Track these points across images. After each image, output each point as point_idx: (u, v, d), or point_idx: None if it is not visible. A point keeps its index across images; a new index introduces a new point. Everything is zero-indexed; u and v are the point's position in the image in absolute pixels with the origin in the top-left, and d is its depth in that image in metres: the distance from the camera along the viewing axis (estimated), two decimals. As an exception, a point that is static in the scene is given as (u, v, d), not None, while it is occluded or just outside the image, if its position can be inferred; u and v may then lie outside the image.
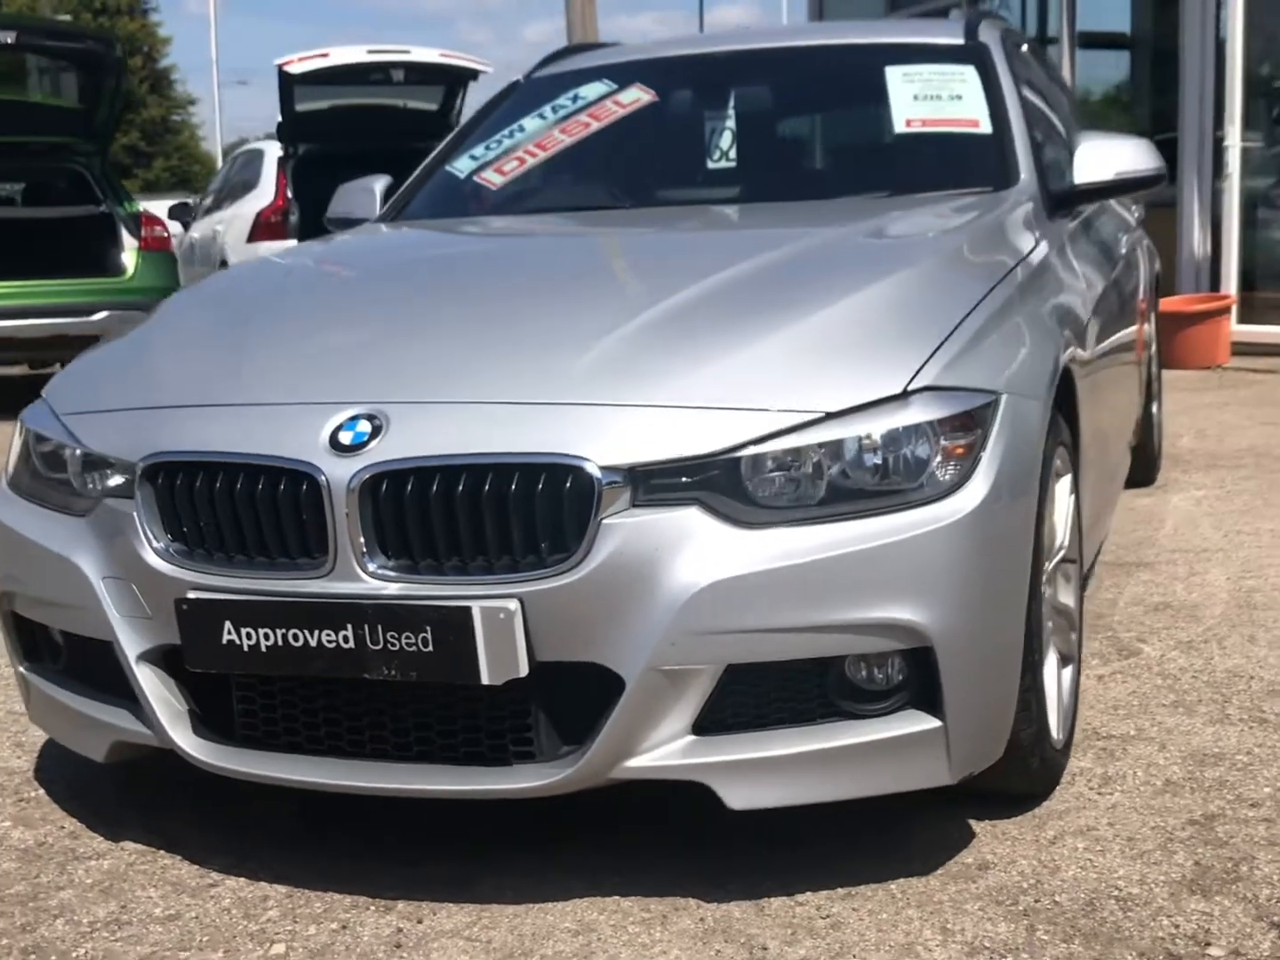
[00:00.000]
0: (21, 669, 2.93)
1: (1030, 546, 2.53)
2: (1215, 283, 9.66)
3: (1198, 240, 9.79)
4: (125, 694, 2.67)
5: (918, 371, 2.43)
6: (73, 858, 2.79)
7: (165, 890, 2.64)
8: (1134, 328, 4.36)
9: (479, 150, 4.09)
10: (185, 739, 2.58)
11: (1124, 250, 4.47)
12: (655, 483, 2.32)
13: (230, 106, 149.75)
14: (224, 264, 11.58)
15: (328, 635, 2.38)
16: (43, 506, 2.80)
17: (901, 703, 2.42)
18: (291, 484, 2.40)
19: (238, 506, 2.44)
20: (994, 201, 3.38)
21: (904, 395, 2.40)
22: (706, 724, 2.39)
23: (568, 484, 2.31)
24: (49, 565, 2.70)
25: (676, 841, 2.72)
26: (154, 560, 2.51)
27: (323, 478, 2.37)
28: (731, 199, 3.76)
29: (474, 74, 11.22)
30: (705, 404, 2.38)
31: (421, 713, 2.46)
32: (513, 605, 2.30)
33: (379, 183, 4.18)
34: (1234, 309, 9.46)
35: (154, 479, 2.52)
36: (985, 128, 3.71)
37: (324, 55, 10.78)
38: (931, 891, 2.50)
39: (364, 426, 2.41)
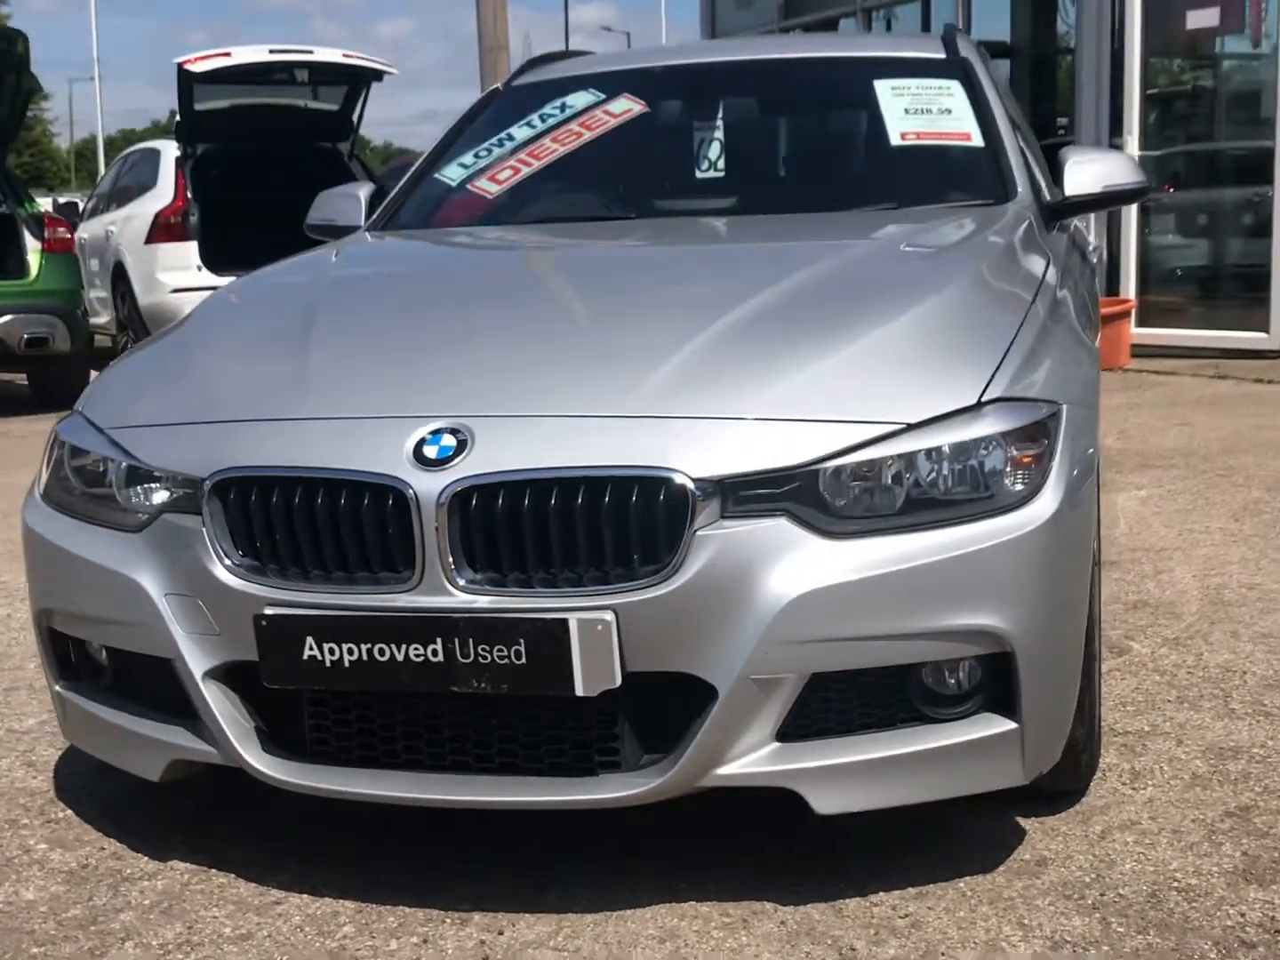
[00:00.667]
0: (58, 688, 2.88)
1: (1091, 550, 2.61)
2: (1114, 287, 9.94)
3: (1098, 246, 10.05)
4: (183, 712, 2.64)
5: (988, 383, 2.49)
6: (122, 879, 2.75)
7: (229, 909, 2.61)
8: (1099, 334, 4.49)
9: (468, 159, 4.08)
10: (255, 757, 2.56)
11: (1094, 260, 4.61)
12: (744, 494, 2.35)
13: (81, 102, 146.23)
14: (119, 265, 11.35)
15: (415, 649, 2.38)
16: (86, 522, 2.75)
17: (978, 706, 2.48)
18: (376, 498, 2.39)
19: (317, 521, 2.43)
20: (1001, 214, 3.47)
21: (978, 406, 2.46)
22: (789, 731, 2.43)
23: (661, 496, 2.33)
24: (102, 582, 2.65)
25: (734, 847, 2.76)
26: (225, 576, 2.48)
27: (411, 492, 2.37)
28: (739, 210, 3.80)
29: (378, 75, 11.14)
30: (791, 416, 2.42)
31: (506, 724, 2.46)
32: (608, 617, 2.32)
33: (363, 190, 4.15)
34: (1133, 313, 9.76)
35: (224, 494, 2.50)
36: (977, 141, 3.80)
37: (225, 55, 10.63)
38: (999, 889, 2.57)
39: (448, 440, 2.41)
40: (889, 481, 2.40)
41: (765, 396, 2.45)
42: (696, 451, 2.36)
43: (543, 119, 4.11)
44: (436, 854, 2.78)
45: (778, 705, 2.40)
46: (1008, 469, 2.45)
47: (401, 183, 4.16)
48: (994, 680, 2.47)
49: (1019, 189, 3.63)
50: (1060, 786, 2.83)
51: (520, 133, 4.09)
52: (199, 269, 10.68)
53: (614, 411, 2.44)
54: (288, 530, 2.45)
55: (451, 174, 4.07)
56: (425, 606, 2.38)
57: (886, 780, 2.46)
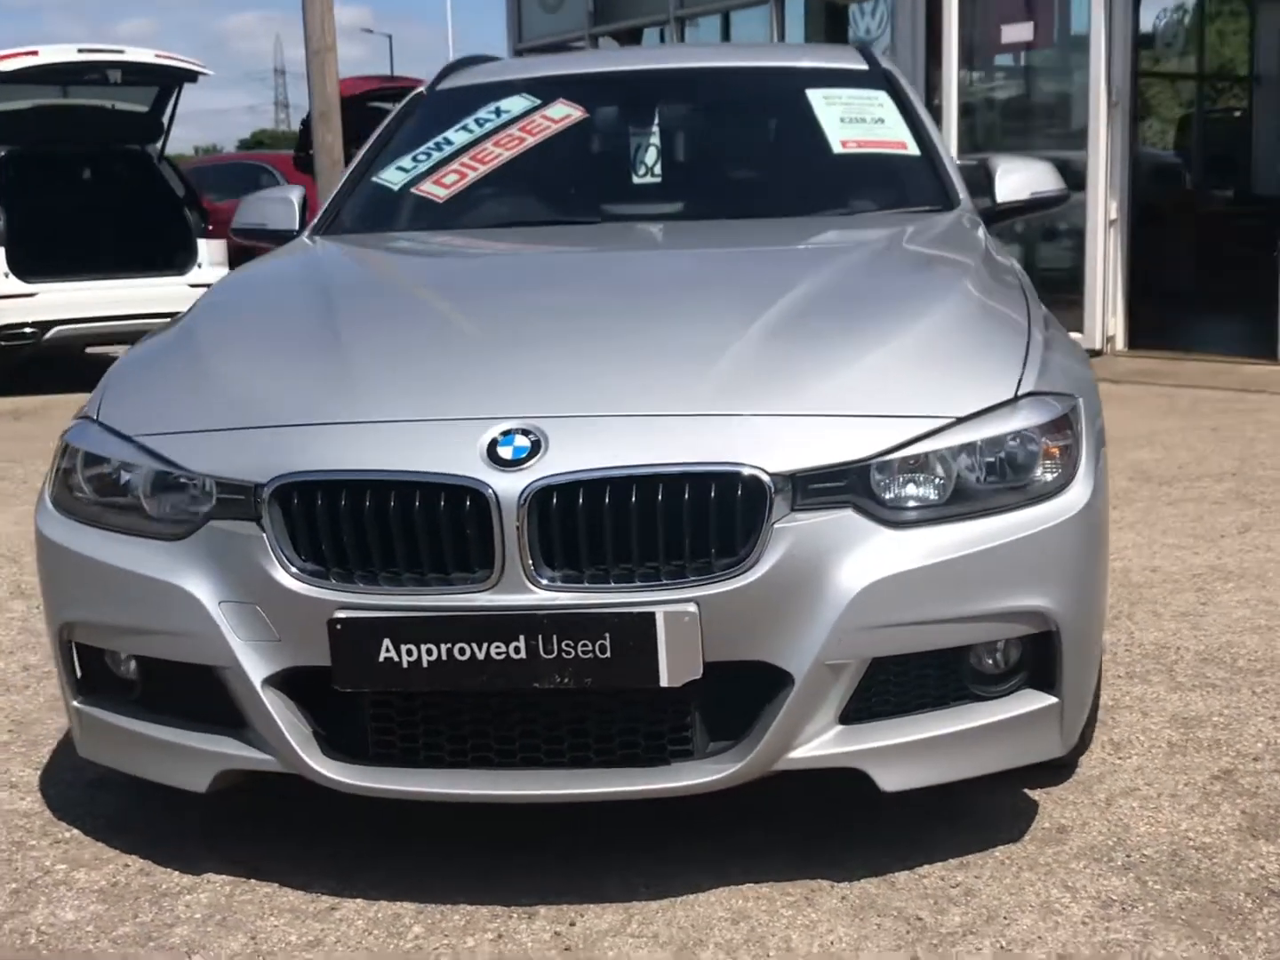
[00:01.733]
0: (76, 703, 2.81)
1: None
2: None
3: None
4: (231, 721, 2.61)
5: (1021, 378, 2.64)
6: (160, 894, 2.70)
7: (286, 918, 2.60)
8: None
9: (406, 162, 4.08)
10: (318, 762, 2.55)
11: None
12: (812, 488, 2.45)
13: None
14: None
15: (497, 647, 2.41)
16: (108, 530, 2.69)
17: (1021, 683, 2.63)
18: (453, 500, 2.42)
19: (389, 524, 2.44)
20: (957, 222, 3.64)
21: (1015, 400, 2.61)
22: (851, 714, 2.54)
23: (739, 491, 2.41)
24: (144, 592, 2.60)
25: (771, 829, 2.85)
26: (290, 582, 2.47)
27: (490, 492, 2.40)
28: (697, 215, 3.87)
29: (192, 75, 10.86)
30: (852, 412, 2.53)
31: (577, 718, 2.51)
32: (692, 609, 2.39)
33: (294, 194, 4.11)
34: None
35: (286, 500, 2.48)
36: (913, 150, 3.97)
37: (32, 53, 10.24)
38: (1033, 856, 2.73)
39: (522, 441, 2.45)
40: (943, 472, 2.52)
41: (822, 393, 2.56)
42: (768, 447, 2.45)
43: (479, 123, 4.14)
44: (473, 852, 2.80)
45: (841, 689, 2.50)
46: (1043, 459, 2.60)
47: (339, 186, 4.13)
48: (1035, 658, 2.61)
49: (961, 196, 3.82)
50: (1065, 759, 2.99)
51: (458, 137, 4.10)
52: (5, 275, 10.26)
53: (680, 410, 2.51)
54: (356, 533, 2.45)
55: (391, 177, 4.06)
56: (506, 604, 2.41)
57: (942, 757, 2.58)
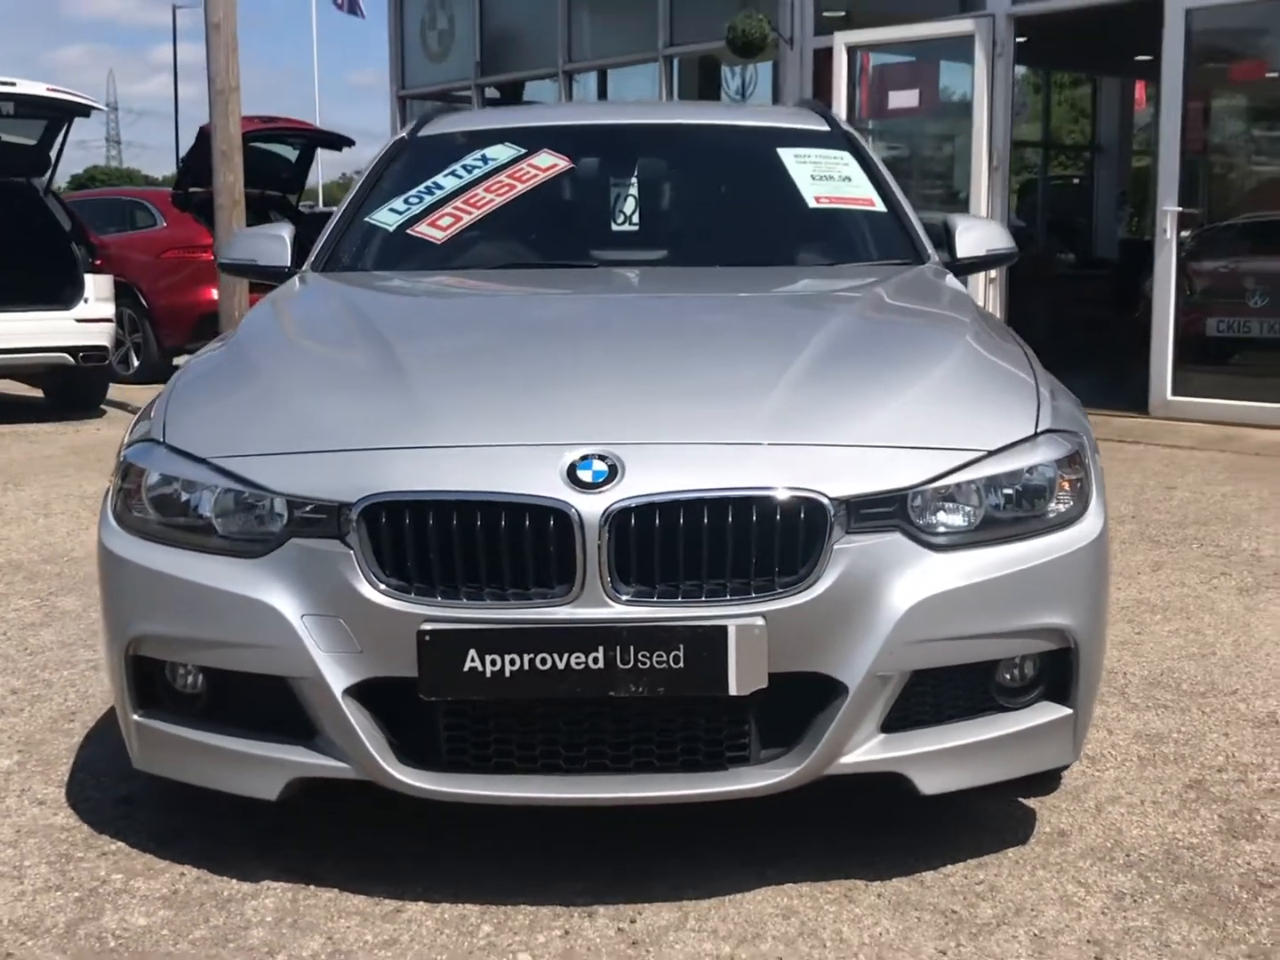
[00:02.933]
0: (136, 717, 2.89)
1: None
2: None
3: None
4: (303, 731, 2.74)
5: (1038, 417, 2.90)
6: (225, 900, 2.80)
7: (356, 920, 2.72)
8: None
9: (398, 204, 4.23)
10: (394, 768, 2.68)
11: None
12: (864, 512, 2.67)
13: None
14: None
15: (577, 658, 2.58)
16: (177, 548, 2.80)
17: (1039, 696, 2.87)
18: (537, 519, 2.59)
19: (475, 541, 2.59)
20: (934, 274, 3.92)
21: (1034, 437, 2.87)
22: (892, 723, 2.75)
23: (802, 514, 2.62)
24: (223, 606, 2.71)
25: (793, 837, 3.05)
26: (377, 597, 2.61)
27: (574, 512, 2.57)
28: (685, 261, 4.10)
29: (85, 110, 10.80)
30: (898, 444, 2.76)
31: (641, 726, 2.69)
32: (760, 622, 2.59)
33: (285, 231, 4.23)
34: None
35: (373, 519, 2.63)
36: (880, 207, 4.26)
37: (-79, 83, 10.11)
38: (1041, 856, 2.96)
39: (600, 466, 2.63)
40: (976, 500, 2.77)
41: (868, 428, 2.78)
42: (825, 474, 2.66)
43: (467, 169, 4.31)
44: (522, 860, 2.95)
45: (883, 700, 2.72)
46: (1060, 490, 2.86)
47: (331, 223, 4.26)
48: (1052, 672, 2.86)
49: (929, 250, 4.10)
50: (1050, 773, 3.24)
51: (448, 181, 4.27)
52: (-111, 307, 10.08)
53: (743, 439, 2.72)
54: (441, 550, 2.61)
55: (385, 219, 4.21)
56: (586, 618, 2.58)
57: (972, 762, 2.81)
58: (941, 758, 2.78)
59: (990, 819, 3.14)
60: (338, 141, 14.20)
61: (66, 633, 4.69)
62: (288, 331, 3.52)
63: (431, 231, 4.12)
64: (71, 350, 10.59)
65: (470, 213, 4.16)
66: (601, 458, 2.64)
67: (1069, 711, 2.87)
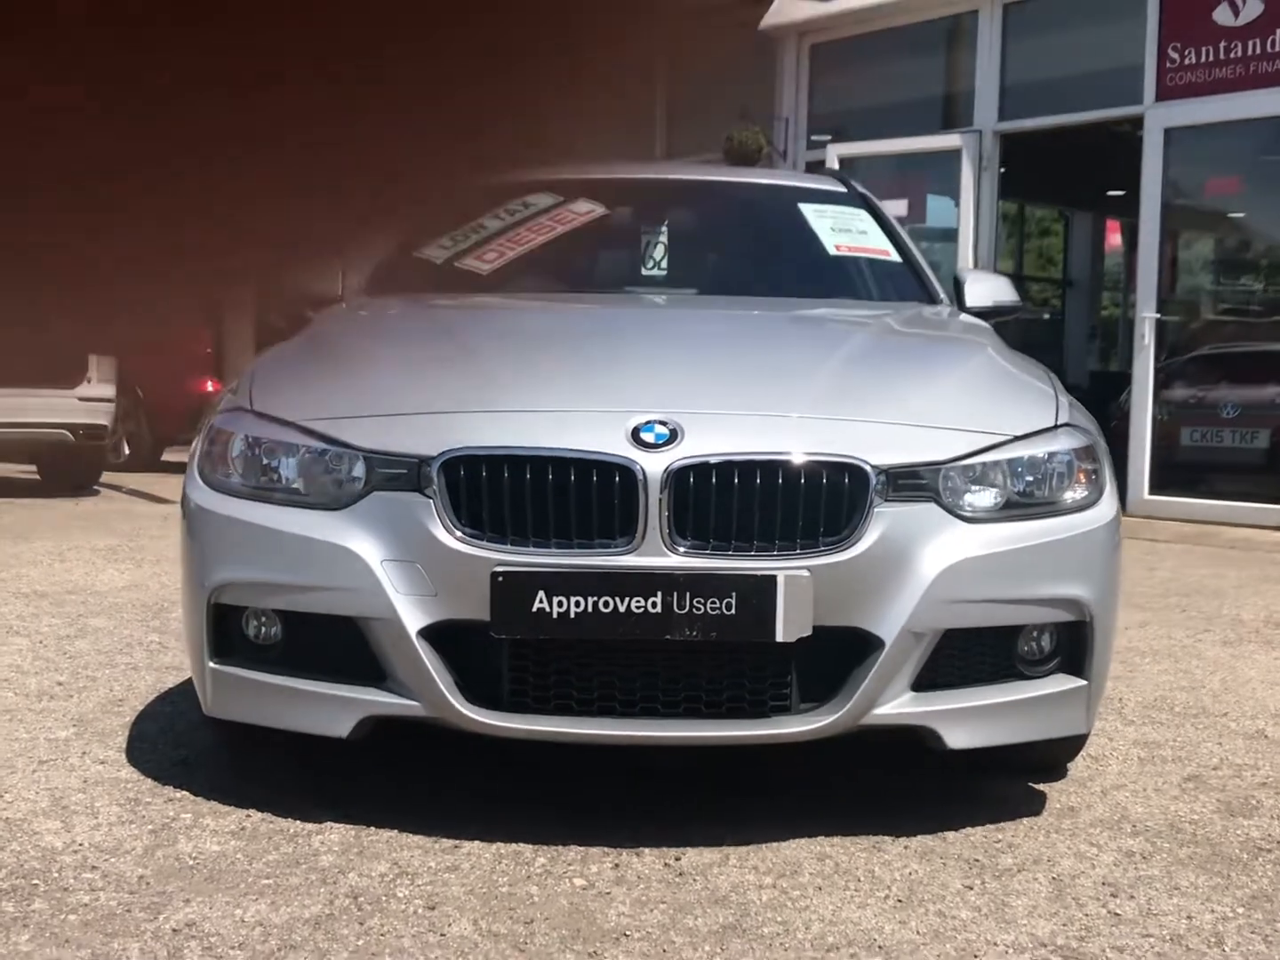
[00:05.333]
0: (212, 664, 3.08)
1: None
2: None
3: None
4: (373, 673, 2.94)
5: (1058, 411, 3.17)
6: (291, 835, 2.97)
7: (417, 852, 2.89)
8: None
9: (445, 242, 4.51)
10: (463, 706, 2.88)
11: None
12: (901, 482, 2.92)
13: None
14: None
15: (637, 602, 2.80)
16: (263, 502, 3.02)
17: (1056, 667, 3.10)
18: (604, 474, 2.82)
19: (546, 493, 2.83)
20: (950, 310, 4.22)
21: (1055, 428, 3.13)
22: (921, 683, 2.97)
23: (847, 479, 2.87)
24: (308, 552, 2.93)
25: (815, 799, 3.25)
26: (454, 543, 2.83)
27: (639, 468, 2.81)
28: (734, 292, 4.40)
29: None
30: (933, 424, 3.02)
31: (691, 673, 2.90)
32: (806, 574, 2.82)
33: (335, 262, 4.49)
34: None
35: (453, 472, 2.86)
36: (895, 257, 4.56)
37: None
38: (1054, 824, 3.17)
39: (661, 429, 2.87)
40: (1002, 479, 3.02)
41: (905, 408, 3.05)
42: (868, 446, 2.91)
43: (510, 213, 4.60)
44: (562, 809, 3.13)
45: (916, 657, 2.94)
46: (1078, 477, 3.11)
47: (379, 258, 4.53)
48: (1068, 645, 3.09)
49: (941, 296, 4.40)
50: (1057, 759, 3.46)
51: (492, 223, 4.56)
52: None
53: (793, 412, 2.97)
54: (514, 501, 2.84)
55: (433, 254, 4.48)
56: (647, 565, 2.81)
57: (996, 722, 3.03)
58: (967, 715, 3.00)
59: (1005, 796, 3.34)
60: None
61: (101, 644, 4.85)
62: (357, 325, 3.78)
63: (478, 264, 4.40)
64: (72, 428, 10.79)
65: (514, 249, 4.44)
66: (663, 422, 2.89)
67: (1083, 683, 3.09)
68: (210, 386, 12.84)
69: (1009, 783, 3.41)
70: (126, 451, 13.58)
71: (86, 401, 10.99)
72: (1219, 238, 10.99)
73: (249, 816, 3.07)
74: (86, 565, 6.77)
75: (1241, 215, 10.74)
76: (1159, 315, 9.41)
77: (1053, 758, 3.44)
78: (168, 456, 13.07)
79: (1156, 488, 9.51)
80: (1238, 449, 10.01)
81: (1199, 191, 10.37)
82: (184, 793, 3.22)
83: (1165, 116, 9.53)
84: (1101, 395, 15.12)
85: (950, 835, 3.07)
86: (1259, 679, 4.74)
